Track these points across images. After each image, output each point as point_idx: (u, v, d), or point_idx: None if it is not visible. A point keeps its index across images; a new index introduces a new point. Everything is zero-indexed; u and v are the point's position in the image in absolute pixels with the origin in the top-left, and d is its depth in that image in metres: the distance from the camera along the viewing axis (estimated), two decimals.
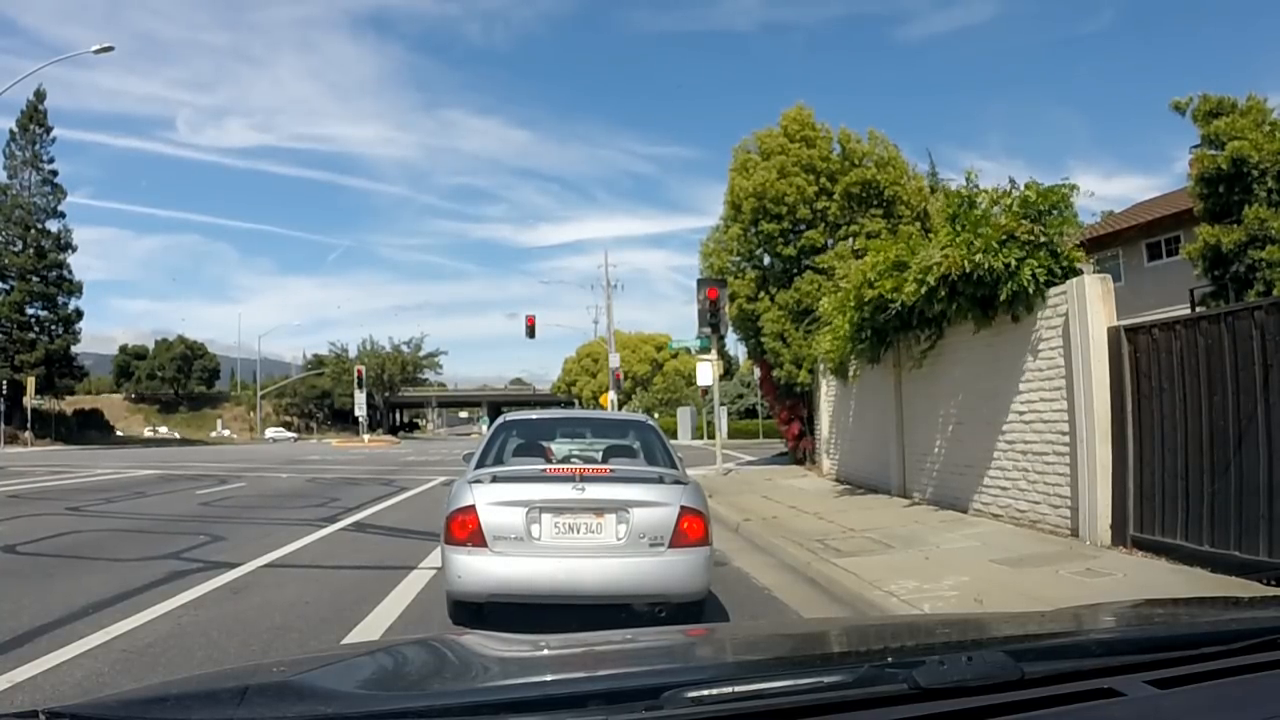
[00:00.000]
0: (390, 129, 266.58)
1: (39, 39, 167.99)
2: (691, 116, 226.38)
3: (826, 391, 15.86)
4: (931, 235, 10.80)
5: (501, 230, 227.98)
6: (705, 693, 1.22)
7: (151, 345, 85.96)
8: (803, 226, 17.30)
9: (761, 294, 17.74)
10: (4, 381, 45.30)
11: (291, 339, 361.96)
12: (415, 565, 7.19)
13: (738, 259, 18.31)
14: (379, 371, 76.62)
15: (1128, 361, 7.05)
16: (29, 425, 46.02)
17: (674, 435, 42.34)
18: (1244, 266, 11.54)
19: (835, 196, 16.98)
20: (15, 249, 49.50)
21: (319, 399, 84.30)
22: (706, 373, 18.55)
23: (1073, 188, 8.64)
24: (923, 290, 8.90)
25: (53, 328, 51.74)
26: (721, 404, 27.75)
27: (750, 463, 21.73)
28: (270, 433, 76.19)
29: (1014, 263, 8.10)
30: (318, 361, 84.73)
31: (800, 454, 18.57)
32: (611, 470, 5.12)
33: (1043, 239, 8.23)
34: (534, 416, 7.33)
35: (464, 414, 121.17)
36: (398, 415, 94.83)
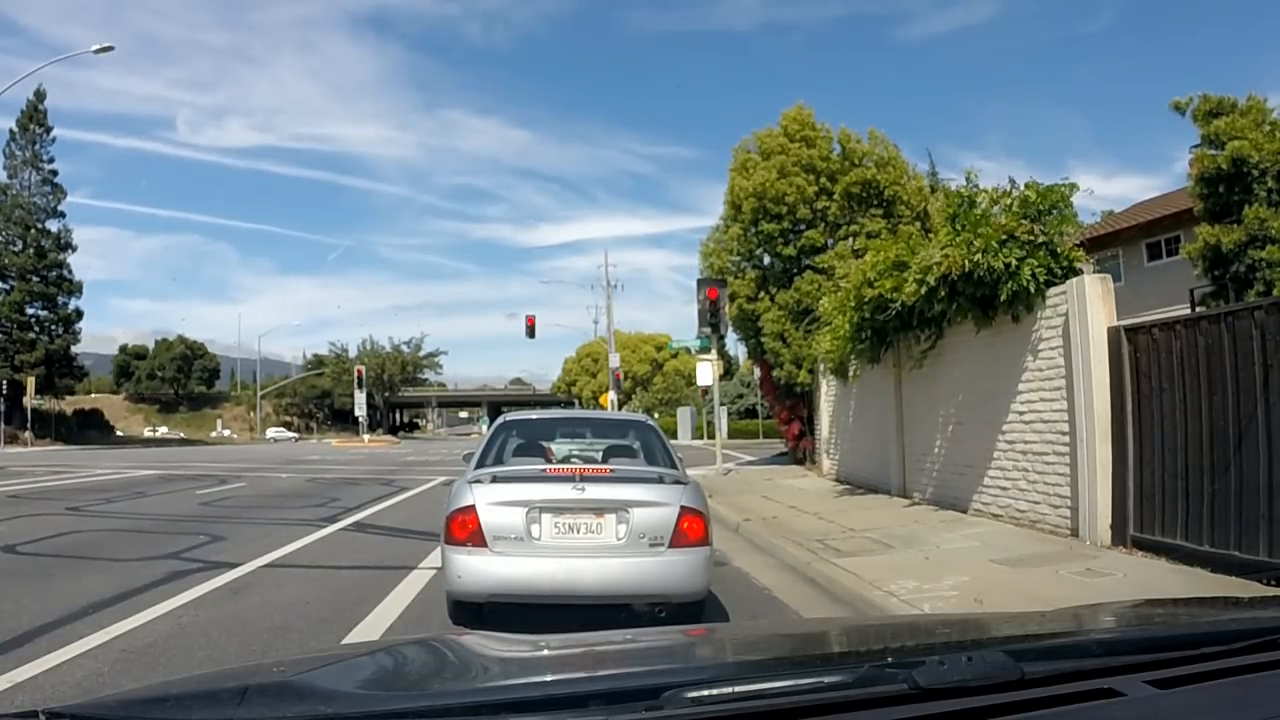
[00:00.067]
0: (390, 129, 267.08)
1: (39, 39, 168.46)
2: (691, 116, 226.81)
3: (826, 391, 15.86)
4: (931, 235, 10.79)
5: (501, 230, 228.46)
6: (705, 693, 1.22)
7: (151, 345, 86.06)
8: (803, 226, 17.30)
9: (761, 294, 17.74)
10: (4, 381, 45.28)
11: (291, 339, 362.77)
12: (415, 565, 7.19)
13: (738, 259, 18.30)
14: (379, 371, 76.61)
15: (1128, 361, 7.05)
16: (29, 425, 46.01)
17: (674, 435, 42.34)
18: (1244, 266, 11.54)
19: (835, 196, 16.98)
20: (15, 249, 49.49)
21: (319, 399, 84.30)
22: (706, 373, 18.55)
23: (1072, 187, 8.64)
24: (923, 290, 8.90)
25: (53, 328, 51.73)
26: (721, 404, 27.75)
27: (750, 463, 21.73)
28: (271, 433, 76.17)
29: (1014, 263, 8.10)
30: (318, 361, 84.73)
31: (800, 454, 18.57)
32: (611, 470, 5.12)
33: (1042, 239, 8.23)
34: (534, 416, 7.33)
35: (464, 414, 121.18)
36: (398, 415, 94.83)
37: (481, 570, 4.69)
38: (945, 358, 10.01)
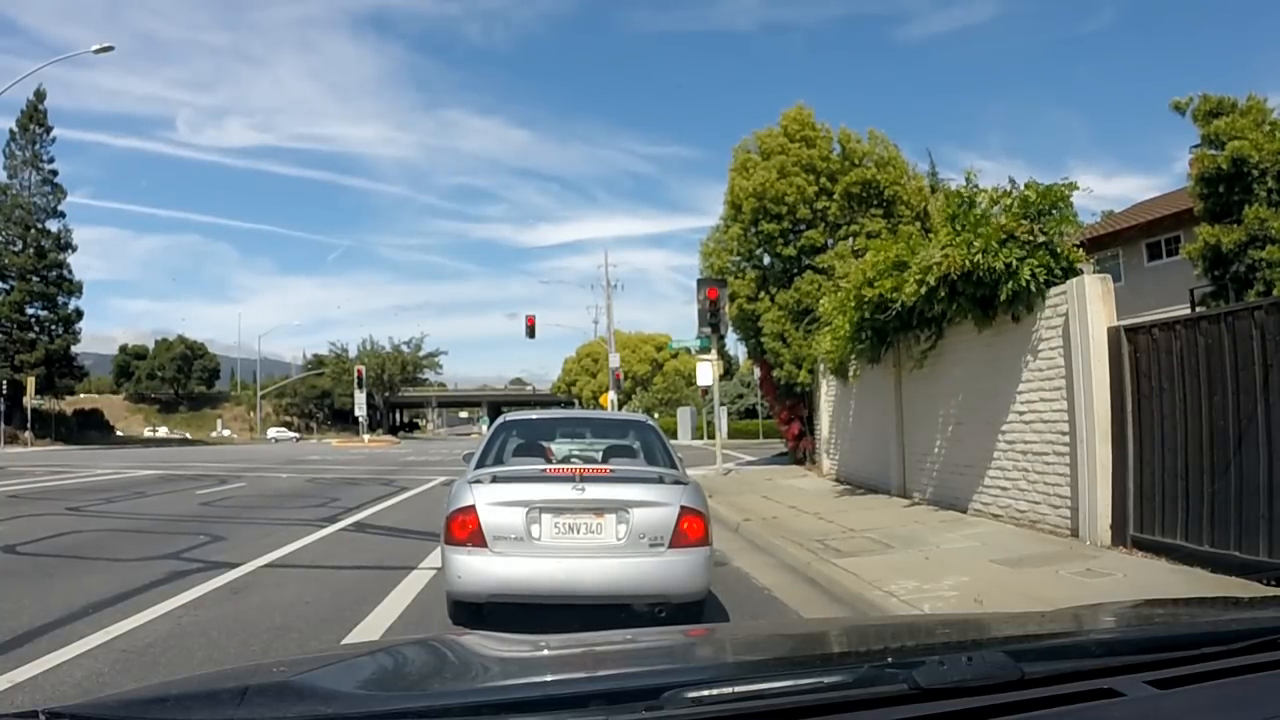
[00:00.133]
0: (390, 129, 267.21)
1: (39, 39, 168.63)
2: (691, 116, 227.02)
3: (826, 391, 15.86)
4: (931, 235, 10.79)
5: (501, 230, 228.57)
6: (705, 693, 1.22)
7: (151, 345, 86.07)
8: (803, 226, 17.30)
9: (761, 294, 17.73)
10: (4, 381, 45.27)
11: (291, 339, 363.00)
12: (415, 565, 7.19)
13: (738, 259, 18.30)
14: (379, 371, 76.60)
15: (1128, 361, 7.05)
16: (29, 425, 46.00)
17: (674, 435, 42.34)
18: (1244, 266, 11.54)
19: (835, 196, 16.98)
20: (15, 249, 49.46)
21: (319, 399, 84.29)
22: (706, 373, 18.55)
23: (1072, 187, 8.64)
24: (923, 290, 8.89)
25: (53, 328, 51.71)
26: (721, 404, 27.75)
27: (750, 463, 21.73)
28: (272, 433, 76.15)
29: (1014, 262, 8.10)
30: (318, 361, 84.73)
31: (800, 454, 18.57)
32: (611, 470, 5.11)
33: (1042, 239, 8.23)
34: (534, 416, 7.33)
35: (464, 414, 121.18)
36: (398, 415, 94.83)
37: (481, 570, 4.69)
38: (945, 358, 10.01)
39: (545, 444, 6.47)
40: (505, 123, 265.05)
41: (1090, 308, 7.36)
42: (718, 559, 5.90)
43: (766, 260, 17.98)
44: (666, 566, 4.74)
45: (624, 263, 76.17)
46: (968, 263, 8.37)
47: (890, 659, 1.38)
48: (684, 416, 48.92)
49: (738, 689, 1.24)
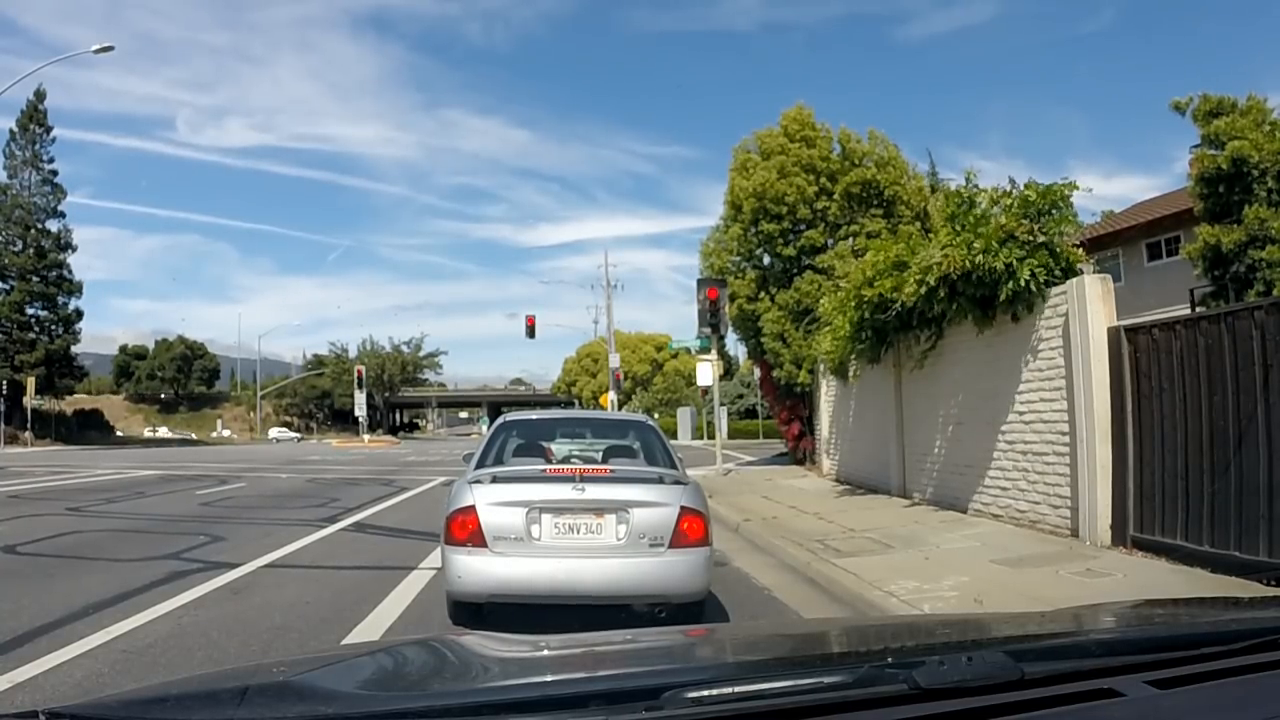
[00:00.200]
0: (390, 129, 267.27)
1: (39, 39, 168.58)
2: (691, 116, 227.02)
3: (826, 392, 15.86)
4: (931, 235, 10.79)
5: (501, 230, 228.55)
6: (705, 693, 1.22)
7: (151, 345, 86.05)
8: (803, 226, 17.30)
9: (761, 294, 17.73)
10: (4, 381, 45.24)
11: (291, 339, 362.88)
12: (415, 566, 7.19)
13: (738, 259, 18.30)
14: (379, 372, 76.62)
15: (1128, 361, 7.05)
16: (29, 425, 45.99)
17: (674, 435, 42.34)
18: (1244, 266, 11.55)
19: (835, 196, 16.98)
20: (15, 249, 49.43)
21: (319, 399, 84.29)
22: (706, 373, 18.55)
23: (1072, 186, 8.64)
24: (923, 290, 8.89)
25: (53, 328, 51.68)
26: (721, 404, 27.75)
27: (750, 463, 21.73)
28: (274, 433, 76.15)
29: (1014, 263, 8.10)
30: (318, 361, 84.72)
31: (800, 454, 18.56)
32: (611, 470, 5.12)
33: (1042, 239, 8.23)
34: (534, 417, 7.33)
35: (464, 414, 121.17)
36: (398, 415, 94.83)
37: (481, 570, 4.69)
38: (945, 358, 10.01)
39: (545, 444, 6.47)
40: (505, 123, 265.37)
41: (1090, 308, 7.36)
42: (718, 559, 5.90)
43: (766, 260, 17.98)
44: (666, 567, 4.74)
45: (624, 263, 76.32)
46: (968, 263, 8.37)
47: (890, 659, 1.38)
48: (684, 417, 48.92)
49: (738, 689, 1.24)
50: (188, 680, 1.62)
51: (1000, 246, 8.24)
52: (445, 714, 1.22)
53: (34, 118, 50.40)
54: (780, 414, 19.55)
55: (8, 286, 49.61)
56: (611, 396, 32.28)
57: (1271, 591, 4.94)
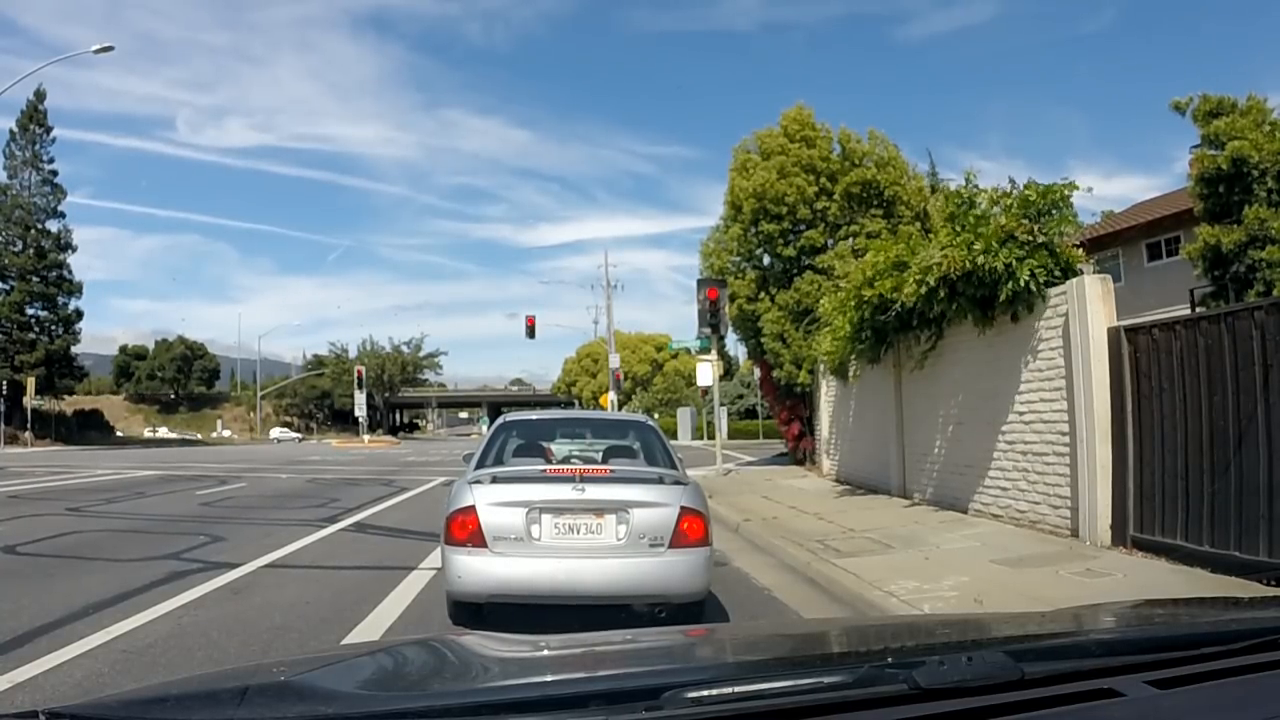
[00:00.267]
0: (390, 129, 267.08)
1: (39, 39, 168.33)
2: (691, 116, 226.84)
3: (826, 392, 15.86)
4: (931, 235, 10.80)
5: (501, 230, 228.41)
6: (705, 693, 1.22)
7: (151, 345, 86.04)
8: (803, 226, 17.30)
9: (761, 294, 17.73)
10: (4, 382, 45.25)
11: (291, 339, 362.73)
12: (415, 566, 7.19)
13: (738, 259, 18.30)
14: (379, 372, 76.61)
15: (1128, 362, 7.05)
16: (29, 425, 45.98)
17: (674, 436, 42.34)
18: (1244, 266, 11.55)
19: (835, 196, 16.98)
20: (15, 249, 49.41)
21: (319, 399, 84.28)
22: (706, 373, 18.55)
23: (1072, 186, 8.64)
24: (923, 290, 8.90)
25: (53, 328, 51.66)
26: (721, 404, 27.75)
27: (750, 463, 21.73)
28: (275, 433, 76.12)
29: (1014, 263, 8.10)
30: (318, 362, 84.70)
31: (800, 454, 18.57)
32: (611, 471, 5.12)
33: (1042, 239, 8.23)
34: (534, 417, 7.33)
35: (464, 414, 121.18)
36: (398, 416, 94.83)
37: (481, 571, 4.69)
38: (945, 358, 10.01)
39: (545, 444, 6.47)
40: (505, 123, 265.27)
41: (1090, 308, 7.37)
42: (718, 559, 5.90)
43: (766, 260, 17.99)
44: (666, 567, 4.74)
45: (624, 263, 76.39)
46: (967, 263, 8.37)
47: (890, 659, 1.38)
48: (684, 417, 48.92)
49: (738, 689, 1.24)
50: (188, 680, 1.62)
51: (1000, 247, 8.24)
52: (445, 714, 1.22)
53: (34, 118, 50.40)
54: (780, 414, 19.56)
55: (8, 287, 49.60)
56: (611, 397, 32.28)
57: (1271, 591, 4.94)
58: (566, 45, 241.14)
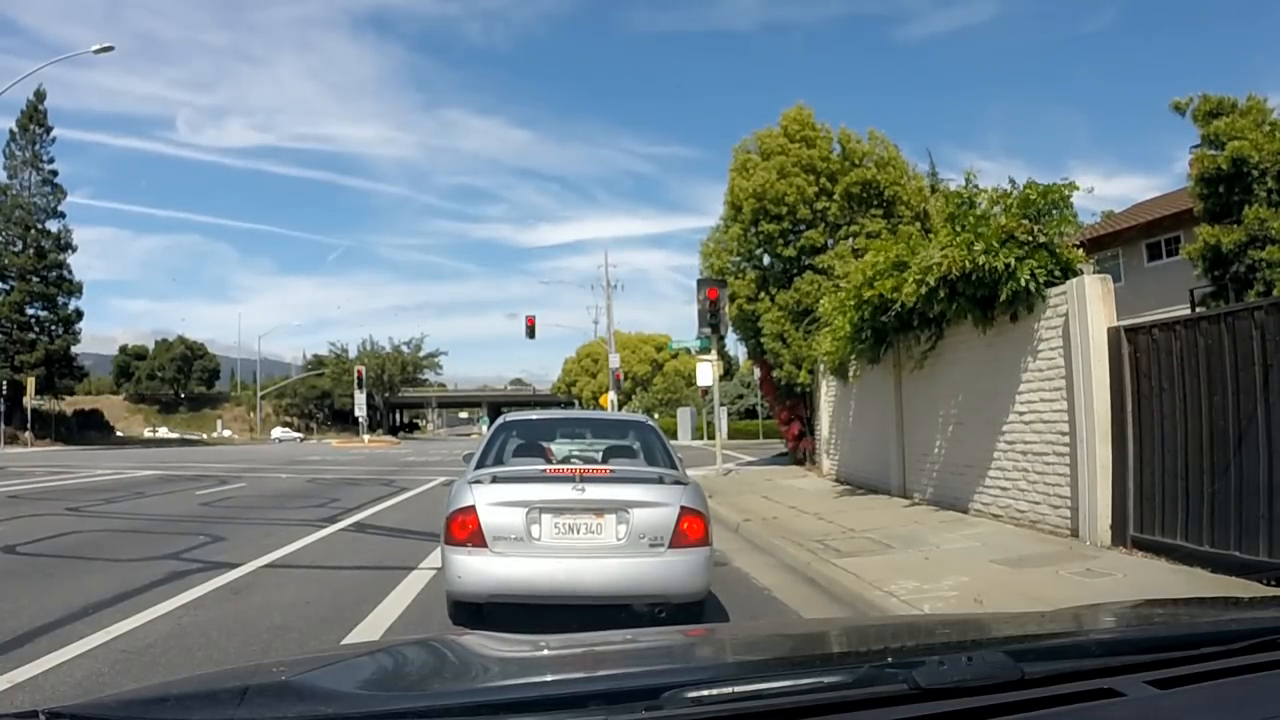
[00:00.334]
0: (390, 129, 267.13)
1: (39, 39, 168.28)
2: (691, 116, 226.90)
3: (826, 392, 15.86)
4: (931, 235, 10.80)
5: (501, 230, 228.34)
6: (705, 693, 1.22)
7: (151, 345, 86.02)
8: (803, 227, 17.29)
9: (761, 294, 17.73)
10: (4, 382, 45.24)
11: (291, 339, 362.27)
12: (415, 566, 7.19)
13: (738, 259, 18.30)
14: (379, 372, 76.60)
15: (1128, 362, 7.05)
16: (29, 425, 45.98)
17: (674, 436, 42.33)
18: (1244, 266, 11.56)
19: (835, 197, 16.98)
20: (15, 249, 49.40)
21: (319, 399, 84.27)
22: (706, 373, 18.56)
23: (1072, 187, 8.65)
24: (923, 290, 8.90)
25: (53, 328, 51.65)
26: (721, 404, 27.75)
27: (750, 463, 21.73)
28: (276, 433, 76.07)
29: (1013, 263, 8.10)
30: (318, 362, 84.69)
31: (800, 454, 18.57)
32: (611, 471, 5.12)
33: (1042, 239, 8.24)
34: (534, 417, 7.33)
35: (464, 414, 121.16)
36: (398, 416, 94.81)
37: (481, 570, 4.69)
38: (945, 358, 10.01)
39: (545, 444, 6.48)
40: (505, 123, 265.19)
41: (1090, 308, 7.37)
42: (718, 559, 5.90)
43: (766, 260, 17.98)
44: (666, 567, 4.74)
45: (624, 263, 76.41)
46: (967, 263, 8.38)
47: (890, 659, 1.38)
48: (684, 417, 48.92)
49: (738, 689, 1.24)
50: (188, 680, 1.62)
51: (1000, 247, 8.24)
52: (445, 714, 1.22)
53: (34, 118, 50.39)
54: (780, 414, 19.55)
55: (8, 287, 49.59)
56: (611, 397, 32.29)
57: (1271, 591, 4.94)
58: (566, 45, 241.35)
